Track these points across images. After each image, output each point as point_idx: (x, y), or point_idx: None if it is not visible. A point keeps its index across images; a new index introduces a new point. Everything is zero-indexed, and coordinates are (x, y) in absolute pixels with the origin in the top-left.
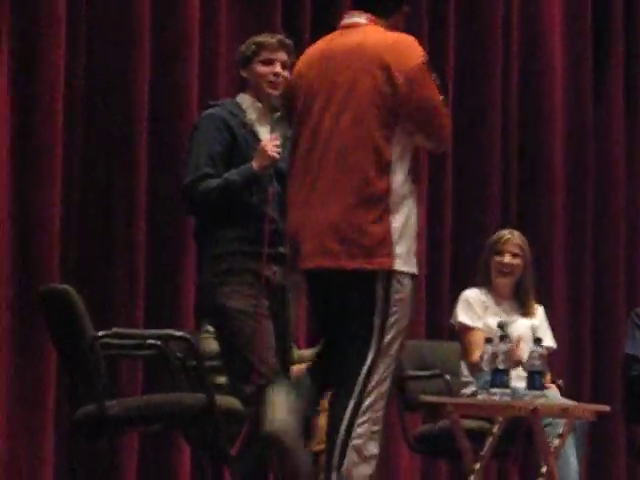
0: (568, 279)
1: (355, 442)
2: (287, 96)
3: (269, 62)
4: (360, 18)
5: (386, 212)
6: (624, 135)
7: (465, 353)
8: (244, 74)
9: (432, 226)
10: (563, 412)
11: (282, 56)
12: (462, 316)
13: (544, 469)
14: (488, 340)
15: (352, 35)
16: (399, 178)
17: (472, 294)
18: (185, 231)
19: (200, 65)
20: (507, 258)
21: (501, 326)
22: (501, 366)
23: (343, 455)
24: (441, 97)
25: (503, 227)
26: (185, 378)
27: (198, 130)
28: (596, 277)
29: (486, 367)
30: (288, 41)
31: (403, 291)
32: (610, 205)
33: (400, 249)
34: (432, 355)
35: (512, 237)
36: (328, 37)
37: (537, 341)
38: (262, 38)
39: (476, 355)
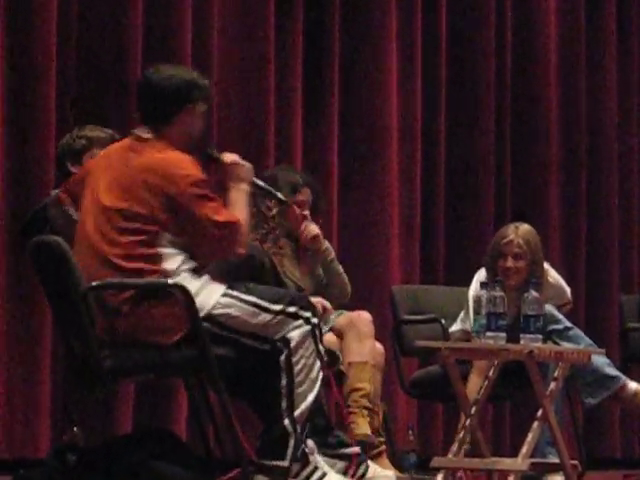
0: (563, 221)
1: None
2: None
3: None
4: (144, 133)
5: None
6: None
7: None
8: (72, 170)
9: (427, 175)
10: (558, 356)
11: None
12: (458, 325)
13: (539, 413)
14: (483, 285)
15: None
16: None
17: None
18: None
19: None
20: (509, 262)
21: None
22: (496, 310)
23: None
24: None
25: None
26: None
27: None
28: (590, 218)
29: (481, 311)
30: (118, 137)
31: None
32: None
33: None
34: (427, 299)
35: (514, 237)
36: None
37: (532, 284)
38: (93, 133)
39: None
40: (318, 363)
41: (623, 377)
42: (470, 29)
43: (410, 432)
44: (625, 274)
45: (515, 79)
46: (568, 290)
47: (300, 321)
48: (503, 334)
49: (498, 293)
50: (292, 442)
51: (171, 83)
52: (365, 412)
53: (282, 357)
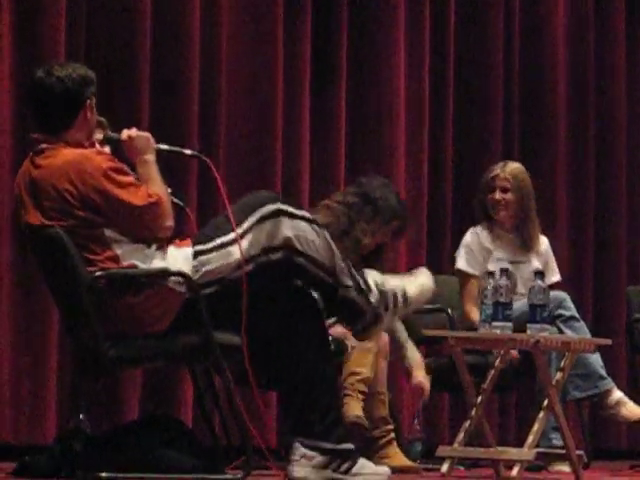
0: (570, 213)
1: None
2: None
3: None
4: (41, 143)
5: None
6: (625, 62)
7: (461, 300)
8: None
9: (434, 161)
10: (565, 345)
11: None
12: (461, 262)
13: (545, 402)
14: (490, 274)
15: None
16: None
17: (473, 239)
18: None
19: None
20: (497, 195)
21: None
22: (503, 299)
23: None
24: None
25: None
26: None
27: None
28: (598, 210)
29: (488, 300)
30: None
31: None
32: (611, 130)
33: None
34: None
35: (501, 172)
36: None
37: (538, 274)
38: None
39: (468, 306)
40: (313, 226)
41: (612, 383)
42: (479, 10)
43: (416, 421)
44: (632, 266)
45: (523, 56)
46: (557, 275)
47: (272, 219)
48: (509, 324)
49: (504, 282)
50: (355, 294)
51: (71, 83)
52: (360, 396)
53: (294, 258)
